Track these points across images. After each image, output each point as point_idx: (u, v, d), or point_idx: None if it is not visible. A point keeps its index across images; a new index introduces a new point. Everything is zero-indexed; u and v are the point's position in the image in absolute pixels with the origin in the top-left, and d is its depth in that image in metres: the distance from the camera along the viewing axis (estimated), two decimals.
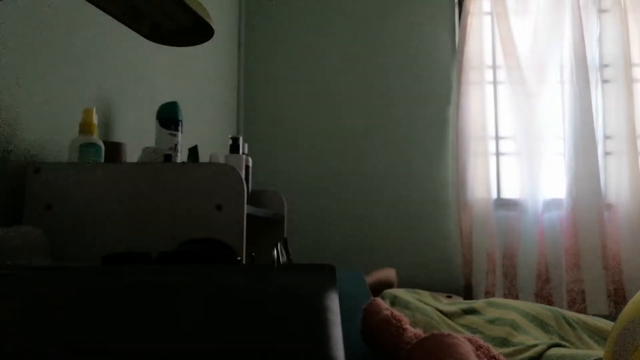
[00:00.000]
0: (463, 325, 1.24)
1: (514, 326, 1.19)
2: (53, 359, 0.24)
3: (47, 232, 0.97)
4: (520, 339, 1.15)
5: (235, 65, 2.74)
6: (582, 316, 1.28)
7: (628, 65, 2.58)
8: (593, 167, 2.53)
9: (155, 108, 1.34)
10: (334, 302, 0.35)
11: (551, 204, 2.56)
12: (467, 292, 2.54)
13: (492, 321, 1.22)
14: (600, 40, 2.67)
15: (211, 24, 0.92)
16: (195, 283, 0.44)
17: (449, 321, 1.25)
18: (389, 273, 2.10)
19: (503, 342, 1.15)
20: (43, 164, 1.02)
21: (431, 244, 2.65)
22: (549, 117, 2.62)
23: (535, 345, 1.09)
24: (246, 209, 1.02)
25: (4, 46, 1.01)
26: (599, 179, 2.52)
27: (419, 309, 1.27)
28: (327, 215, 2.69)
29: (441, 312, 1.29)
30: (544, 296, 2.48)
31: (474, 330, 1.21)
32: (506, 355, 1.08)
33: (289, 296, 0.38)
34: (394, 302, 1.34)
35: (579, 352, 1.03)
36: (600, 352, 1.03)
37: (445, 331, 1.00)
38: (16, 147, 1.05)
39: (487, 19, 2.74)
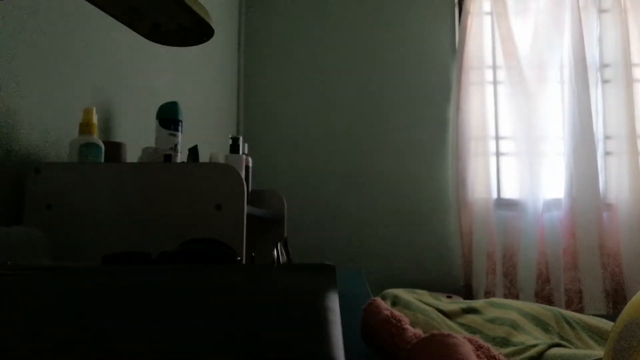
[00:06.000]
0: (462, 325, 1.24)
1: (514, 326, 1.19)
2: (53, 359, 0.24)
3: (47, 232, 0.97)
4: (521, 338, 1.15)
5: (235, 65, 2.74)
6: (582, 316, 1.28)
7: (628, 65, 2.58)
8: (592, 167, 2.53)
9: (155, 108, 1.34)
10: (334, 302, 0.35)
11: (551, 204, 2.56)
12: (467, 292, 2.54)
13: (492, 320, 1.22)
14: (600, 40, 2.67)
15: (211, 24, 0.92)
16: (195, 283, 0.44)
17: (449, 321, 1.25)
18: None
19: (503, 342, 1.15)
20: (43, 164, 1.02)
21: (431, 244, 2.65)
22: (548, 117, 2.63)
23: (535, 345, 1.09)
24: (246, 209, 1.02)
25: (3, 46, 1.01)
26: (598, 179, 2.52)
27: (419, 309, 1.27)
28: (327, 215, 2.69)
29: (441, 311, 1.30)
30: (544, 296, 2.48)
31: (473, 329, 1.21)
32: (506, 355, 1.08)
33: (288, 296, 0.38)
34: (395, 302, 1.34)
35: (579, 352, 1.03)
36: (600, 352, 1.03)
37: (446, 331, 1.00)
38: (16, 147, 1.05)
39: (487, 19, 2.74)
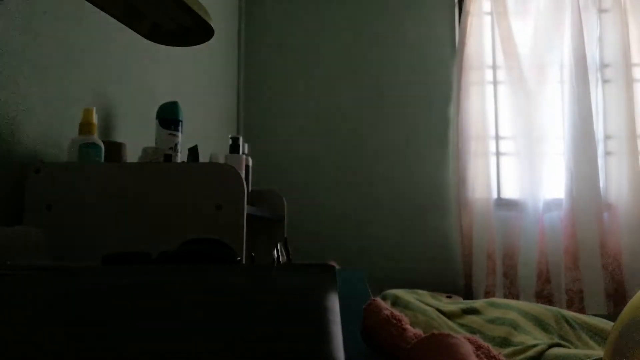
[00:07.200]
0: (462, 325, 1.24)
1: (514, 326, 1.19)
2: (53, 358, 0.24)
3: (47, 232, 0.97)
4: (521, 338, 1.15)
5: (235, 65, 2.74)
6: (582, 316, 1.28)
7: (628, 65, 2.58)
8: (592, 167, 2.53)
9: (155, 108, 1.34)
10: (334, 302, 0.35)
11: (551, 204, 2.56)
12: (467, 292, 2.54)
13: (492, 321, 1.22)
14: (600, 40, 2.67)
15: (211, 24, 0.92)
16: (195, 283, 0.44)
17: (449, 322, 1.25)
18: None
19: (503, 342, 1.15)
20: (43, 164, 1.02)
21: (431, 244, 2.65)
22: (549, 117, 2.62)
23: (535, 345, 1.09)
24: (246, 209, 1.02)
25: (3, 46, 1.01)
26: (598, 179, 2.52)
27: (420, 310, 1.27)
28: (327, 215, 2.69)
29: (441, 312, 1.30)
30: (544, 296, 2.48)
31: (473, 330, 1.21)
32: (506, 355, 1.08)
33: (289, 296, 0.38)
34: (396, 302, 1.34)
35: (579, 351, 1.03)
36: (600, 352, 1.03)
37: (446, 331, 1.00)
38: (16, 147, 1.05)
39: (487, 19, 2.74)
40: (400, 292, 1.39)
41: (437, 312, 1.28)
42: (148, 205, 1.00)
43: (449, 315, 1.29)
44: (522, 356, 1.06)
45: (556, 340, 1.15)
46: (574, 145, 2.56)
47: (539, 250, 2.52)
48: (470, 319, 1.25)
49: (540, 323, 1.22)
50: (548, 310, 1.27)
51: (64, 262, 0.83)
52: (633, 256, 2.47)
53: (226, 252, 0.71)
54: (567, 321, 1.24)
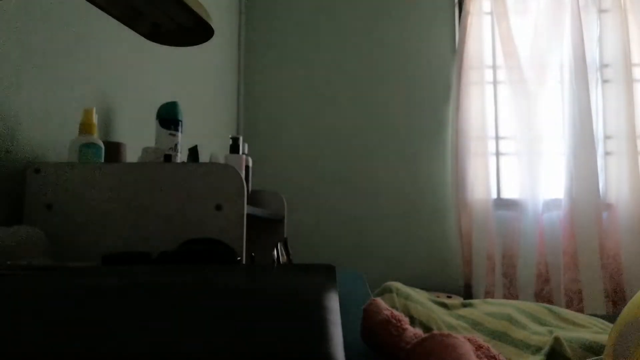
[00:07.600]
0: (461, 317, 1.25)
1: (512, 320, 1.20)
2: (53, 358, 0.24)
3: (47, 232, 0.97)
4: (520, 335, 1.15)
5: (235, 65, 2.74)
6: (578, 314, 1.29)
7: (628, 65, 2.58)
8: (592, 167, 2.53)
9: (155, 108, 1.34)
10: (334, 302, 0.35)
11: (551, 204, 2.56)
12: (467, 292, 2.54)
13: (490, 314, 1.23)
14: (600, 40, 2.67)
15: (211, 24, 0.92)
16: (195, 283, 0.44)
17: (449, 312, 1.26)
18: None
19: (502, 337, 1.16)
20: (43, 164, 1.02)
21: (431, 244, 2.65)
22: (548, 117, 2.63)
23: (539, 335, 1.10)
24: (246, 209, 1.02)
25: (3, 46, 1.01)
26: (597, 179, 2.52)
27: (419, 302, 1.28)
28: (327, 215, 2.69)
29: (440, 304, 1.31)
30: (543, 296, 2.48)
31: (473, 321, 1.22)
32: (509, 353, 1.08)
33: (288, 296, 0.38)
34: (397, 293, 1.34)
35: (587, 335, 1.03)
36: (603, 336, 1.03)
37: (445, 327, 1.00)
38: (16, 147, 1.05)
39: (487, 19, 2.74)
40: (400, 285, 1.40)
41: (435, 305, 1.29)
42: (148, 205, 1.00)
43: (449, 307, 1.30)
44: (532, 349, 1.06)
45: (556, 331, 1.16)
46: (574, 146, 2.56)
47: (538, 251, 2.52)
48: (468, 311, 1.26)
49: (535, 318, 1.23)
50: (543, 308, 1.28)
51: (64, 262, 0.83)
52: (632, 256, 2.47)
53: (226, 252, 0.71)
54: (560, 316, 1.25)
